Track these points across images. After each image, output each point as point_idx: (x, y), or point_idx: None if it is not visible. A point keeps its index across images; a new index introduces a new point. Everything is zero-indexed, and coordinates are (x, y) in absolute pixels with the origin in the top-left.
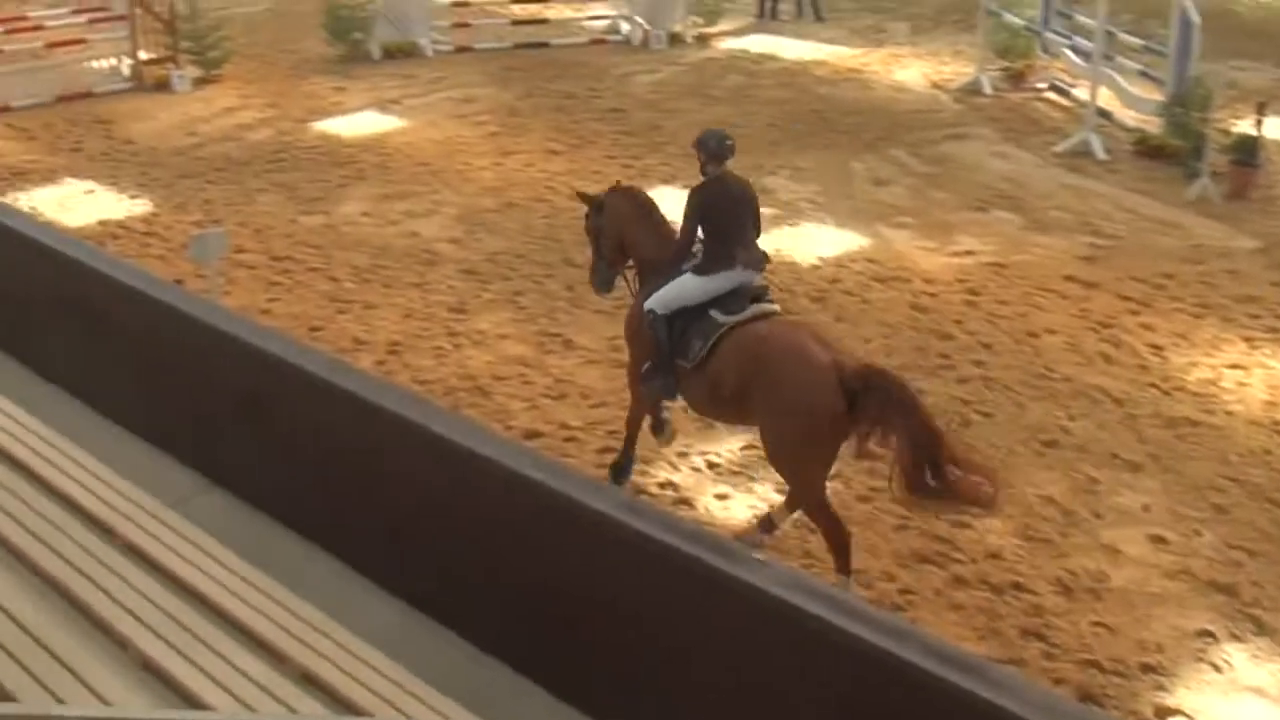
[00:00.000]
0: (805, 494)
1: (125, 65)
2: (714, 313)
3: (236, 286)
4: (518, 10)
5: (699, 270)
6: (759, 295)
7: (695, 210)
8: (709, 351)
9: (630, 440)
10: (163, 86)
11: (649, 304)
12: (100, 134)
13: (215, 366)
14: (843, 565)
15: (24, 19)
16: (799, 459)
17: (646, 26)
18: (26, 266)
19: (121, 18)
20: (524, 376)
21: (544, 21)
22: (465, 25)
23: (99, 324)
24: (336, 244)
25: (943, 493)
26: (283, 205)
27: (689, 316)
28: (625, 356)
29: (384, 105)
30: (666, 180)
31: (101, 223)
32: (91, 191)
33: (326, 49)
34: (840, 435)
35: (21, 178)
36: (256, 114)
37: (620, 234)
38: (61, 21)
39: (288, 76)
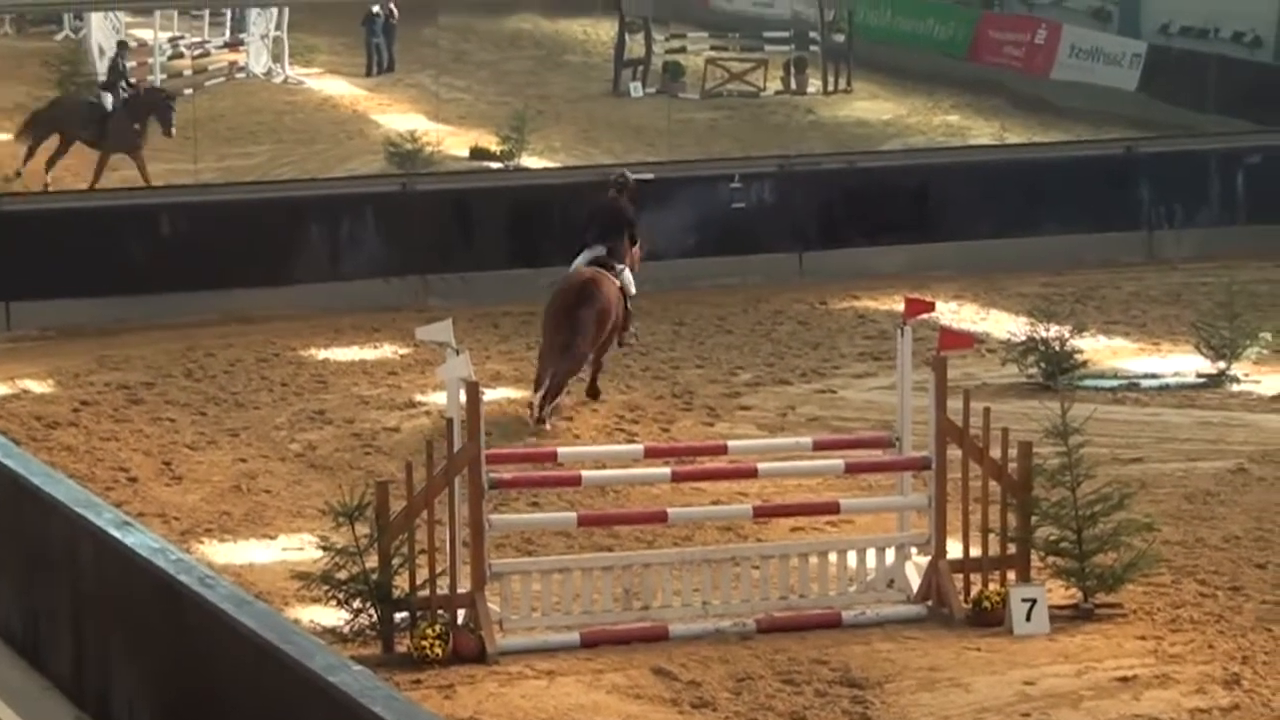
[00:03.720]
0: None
1: (911, 565)
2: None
3: None
4: None
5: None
6: (603, 262)
7: (586, 214)
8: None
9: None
10: (988, 618)
11: None
12: (845, 706)
13: None
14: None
15: (721, 457)
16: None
17: None
18: None
19: (915, 463)
20: None
21: None
22: None
23: None
24: None
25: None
26: None
27: None
28: None
29: None
30: None
31: None
32: None
33: None
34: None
35: None
36: (1185, 695)
37: None
38: (802, 465)
39: (1260, 625)
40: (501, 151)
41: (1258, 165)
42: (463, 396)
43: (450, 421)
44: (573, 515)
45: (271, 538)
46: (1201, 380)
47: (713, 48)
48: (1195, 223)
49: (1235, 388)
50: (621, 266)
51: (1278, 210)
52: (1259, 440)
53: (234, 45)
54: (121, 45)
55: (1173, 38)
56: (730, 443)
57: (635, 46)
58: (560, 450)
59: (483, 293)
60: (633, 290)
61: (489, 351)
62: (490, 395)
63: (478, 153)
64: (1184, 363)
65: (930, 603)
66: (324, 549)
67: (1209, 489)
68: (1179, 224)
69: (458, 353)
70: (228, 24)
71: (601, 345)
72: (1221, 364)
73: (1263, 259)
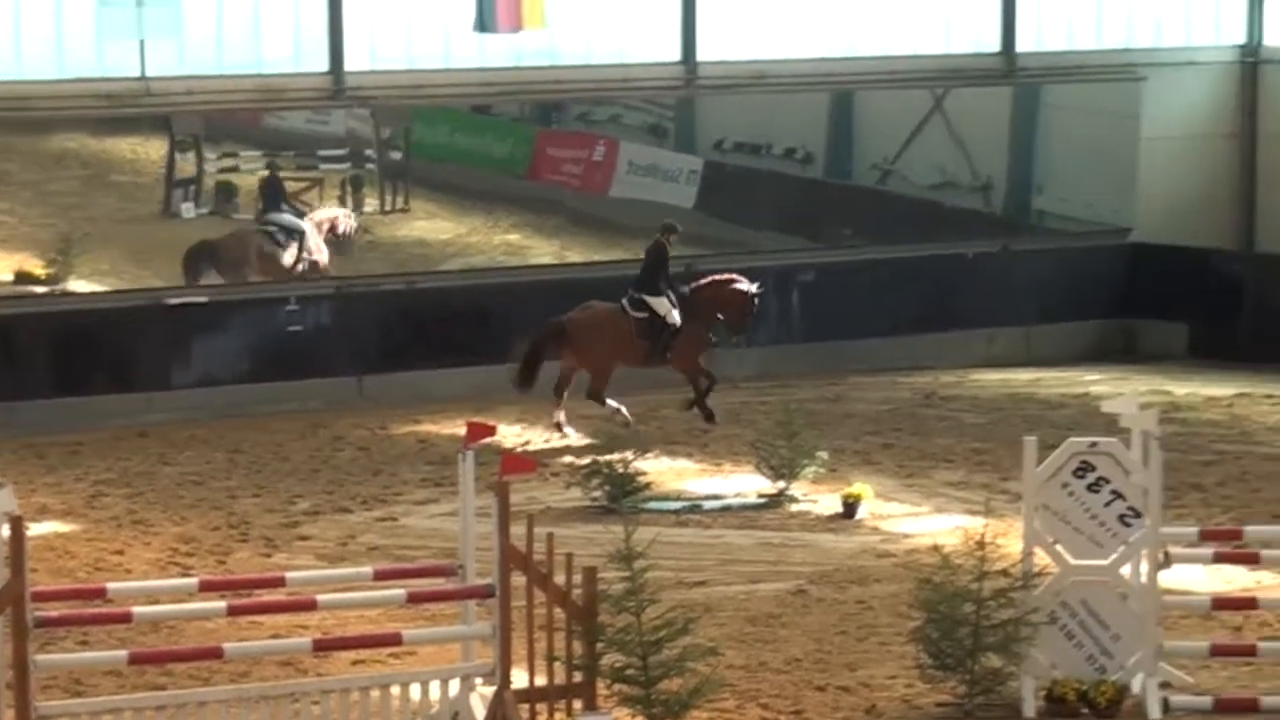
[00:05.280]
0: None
1: (476, 696)
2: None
3: None
4: None
5: None
6: (632, 300)
7: None
8: None
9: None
10: None
11: None
12: None
13: None
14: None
15: (279, 589)
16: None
17: None
18: None
19: (478, 592)
20: None
21: None
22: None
23: None
24: None
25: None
26: None
27: None
28: None
29: None
30: None
31: None
32: None
33: (915, 690)
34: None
35: None
36: None
37: None
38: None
39: None
40: (47, 275)
41: (811, 282)
42: (6, 531)
43: None
44: (123, 653)
45: None
46: (762, 500)
47: (267, 167)
48: (754, 340)
49: (794, 507)
50: (652, 298)
51: (832, 328)
52: (816, 560)
53: None
54: (273, 166)
55: (728, 154)
56: (288, 574)
57: (186, 166)
58: (110, 586)
59: (27, 423)
60: (672, 319)
61: (34, 484)
62: (36, 529)
63: (22, 278)
64: (745, 483)
65: None
66: None
67: (770, 611)
68: (739, 342)
69: (1, 486)
70: None
71: (647, 361)
72: (781, 483)
73: (819, 377)
